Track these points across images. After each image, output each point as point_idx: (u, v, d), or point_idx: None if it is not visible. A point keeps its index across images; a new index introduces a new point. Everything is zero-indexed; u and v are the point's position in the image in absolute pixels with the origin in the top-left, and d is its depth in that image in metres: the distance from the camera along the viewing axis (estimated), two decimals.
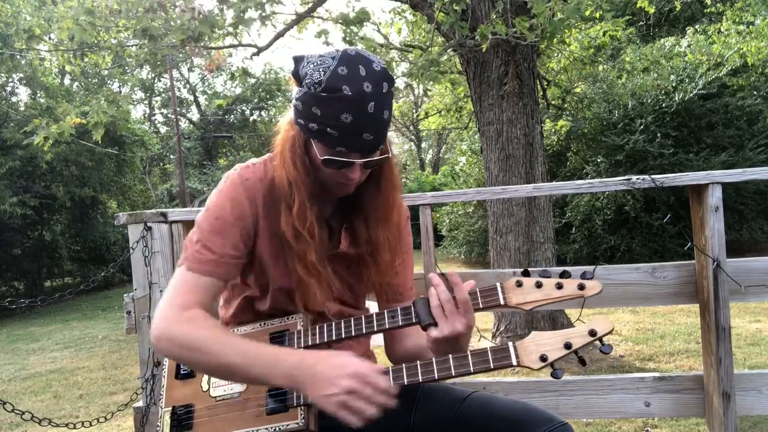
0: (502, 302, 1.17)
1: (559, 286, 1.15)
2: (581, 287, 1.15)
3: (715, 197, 1.80)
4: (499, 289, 1.18)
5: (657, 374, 1.93)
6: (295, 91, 1.19)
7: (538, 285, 1.17)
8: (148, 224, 2.01)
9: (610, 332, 1.11)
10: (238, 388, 1.26)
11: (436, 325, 1.15)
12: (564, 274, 1.17)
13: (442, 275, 1.83)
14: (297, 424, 1.18)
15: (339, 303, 1.34)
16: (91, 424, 2.23)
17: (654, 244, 9.80)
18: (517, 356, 1.10)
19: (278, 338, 1.29)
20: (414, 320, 1.19)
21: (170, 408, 1.28)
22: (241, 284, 1.37)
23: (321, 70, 1.11)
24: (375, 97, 1.11)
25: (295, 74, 1.17)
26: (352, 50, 1.15)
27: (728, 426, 1.77)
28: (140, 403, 1.99)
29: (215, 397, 1.27)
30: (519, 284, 1.17)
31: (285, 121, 1.26)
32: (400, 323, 1.21)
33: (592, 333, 1.09)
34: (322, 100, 1.11)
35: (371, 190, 1.28)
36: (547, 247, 5.05)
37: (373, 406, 1.03)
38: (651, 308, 6.29)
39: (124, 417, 3.98)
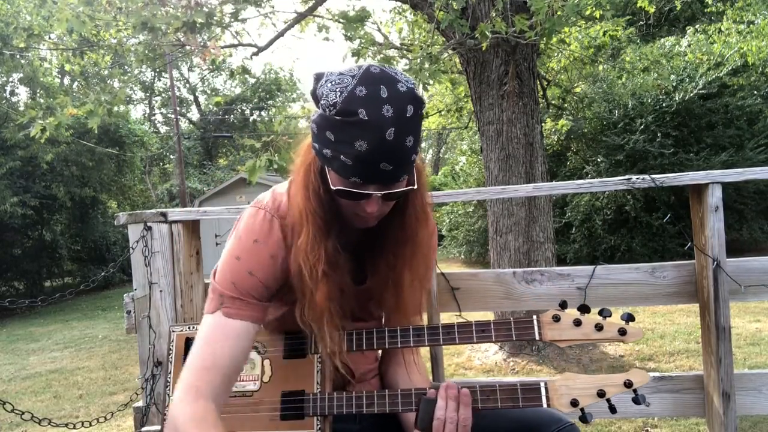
0: (537, 337, 1.13)
1: (599, 328, 1.11)
2: (622, 332, 1.10)
3: (715, 197, 1.80)
4: (535, 323, 1.14)
5: (657, 374, 1.93)
6: (313, 111, 1.08)
7: (577, 323, 1.12)
8: (148, 224, 2.01)
9: (645, 383, 1.07)
10: (251, 386, 1.25)
11: None
12: (603, 312, 1.12)
13: (442, 275, 1.80)
14: None
15: (354, 321, 1.30)
16: (91, 424, 2.22)
17: (654, 243, 9.79)
18: (548, 398, 1.09)
19: (295, 338, 1.27)
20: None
21: None
22: None
23: (338, 90, 1.00)
24: (396, 122, 0.98)
25: (313, 93, 1.07)
26: (376, 68, 1.02)
27: (728, 426, 1.77)
28: (140, 403, 1.99)
29: None
30: (556, 319, 1.13)
31: (306, 143, 1.16)
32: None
33: (628, 384, 1.06)
34: (336, 124, 1.00)
35: (394, 224, 1.16)
36: (547, 246, 5.05)
37: None
38: (651, 308, 6.29)
39: (124, 417, 3.99)
